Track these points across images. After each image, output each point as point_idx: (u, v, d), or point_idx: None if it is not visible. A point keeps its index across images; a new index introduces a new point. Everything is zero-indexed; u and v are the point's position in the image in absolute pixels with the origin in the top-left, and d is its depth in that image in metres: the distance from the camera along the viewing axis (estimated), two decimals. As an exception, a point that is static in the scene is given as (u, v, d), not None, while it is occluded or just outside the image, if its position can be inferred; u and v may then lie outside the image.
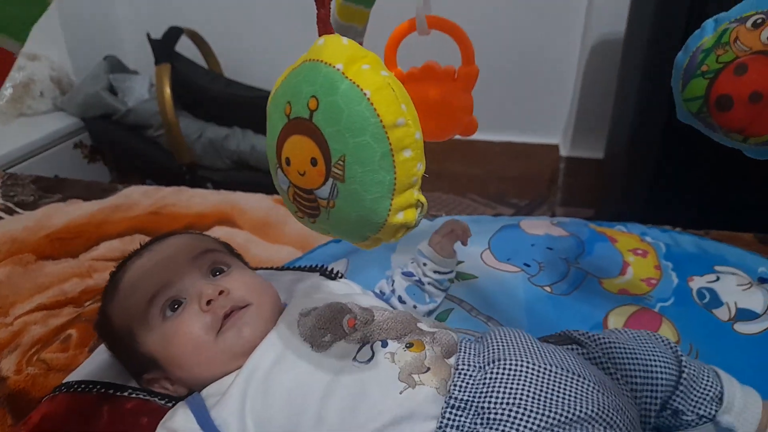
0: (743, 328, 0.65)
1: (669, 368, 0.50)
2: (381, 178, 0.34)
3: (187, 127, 1.61)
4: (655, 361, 0.50)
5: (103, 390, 0.55)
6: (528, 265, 0.76)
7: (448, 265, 0.67)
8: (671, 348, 0.52)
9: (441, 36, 0.58)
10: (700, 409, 0.50)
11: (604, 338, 0.53)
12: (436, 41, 0.61)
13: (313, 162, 0.35)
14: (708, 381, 0.51)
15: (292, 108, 0.36)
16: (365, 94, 0.33)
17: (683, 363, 0.51)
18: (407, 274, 0.67)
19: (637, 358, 0.51)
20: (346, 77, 0.33)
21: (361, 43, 0.39)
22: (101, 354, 0.61)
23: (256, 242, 0.90)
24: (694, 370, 0.51)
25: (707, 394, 0.50)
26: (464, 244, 0.69)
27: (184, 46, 1.70)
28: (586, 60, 1.72)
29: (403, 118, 0.33)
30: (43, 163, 1.55)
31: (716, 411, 0.50)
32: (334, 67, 0.34)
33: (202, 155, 1.63)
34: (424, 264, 0.66)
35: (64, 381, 0.57)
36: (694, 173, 1.17)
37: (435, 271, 0.66)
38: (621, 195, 1.43)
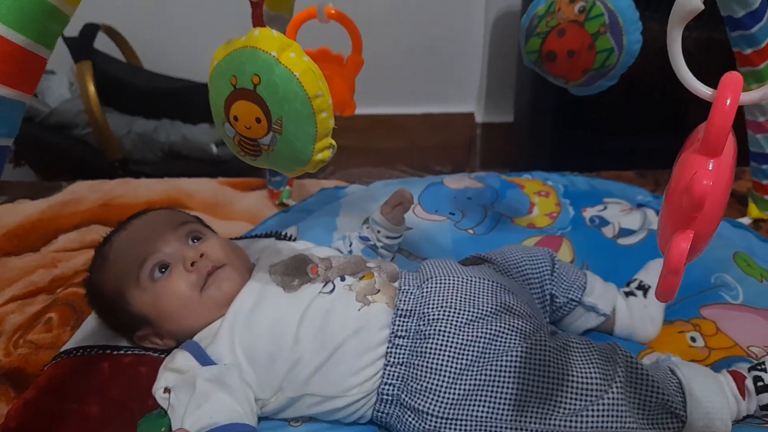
0: (624, 241, 0.81)
1: (544, 263, 0.67)
2: (307, 131, 0.47)
3: (114, 123, 1.61)
4: (534, 262, 0.67)
5: (100, 351, 0.63)
6: (453, 214, 0.89)
7: (398, 231, 0.78)
8: (548, 253, 0.69)
9: (338, 27, 0.68)
10: (569, 293, 0.66)
11: (498, 255, 0.68)
12: (333, 31, 0.71)
13: (258, 120, 0.47)
14: (576, 275, 0.68)
15: (238, 80, 0.47)
16: (295, 75, 0.45)
17: (555, 261, 0.67)
18: (364, 239, 0.77)
19: (523, 263, 0.67)
20: (280, 62, 0.45)
21: (285, 31, 0.49)
22: (89, 324, 0.68)
23: (209, 221, 0.96)
24: (566, 268, 0.67)
25: (574, 284, 0.67)
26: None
27: (100, 42, 1.69)
28: (491, 32, 1.88)
29: (321, 91, 0.47)
30: (-35, 172, 1.51)
31: (581, 295, 0.66)
32: (270, 54, 0.45)
33: (132, 150, 1.64)
34: (378, 231, 0.77)
35: (61, 350, 0.64)
36: (586, 128, 1.36)
37: (387, 237, 0.77)
38: (528, 152, 1.60)
